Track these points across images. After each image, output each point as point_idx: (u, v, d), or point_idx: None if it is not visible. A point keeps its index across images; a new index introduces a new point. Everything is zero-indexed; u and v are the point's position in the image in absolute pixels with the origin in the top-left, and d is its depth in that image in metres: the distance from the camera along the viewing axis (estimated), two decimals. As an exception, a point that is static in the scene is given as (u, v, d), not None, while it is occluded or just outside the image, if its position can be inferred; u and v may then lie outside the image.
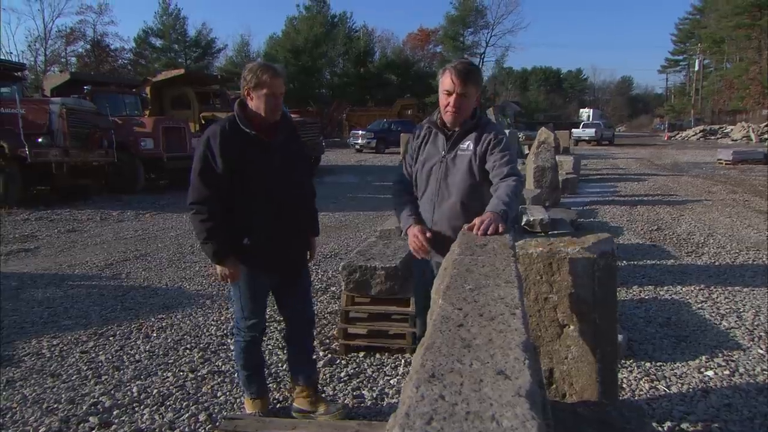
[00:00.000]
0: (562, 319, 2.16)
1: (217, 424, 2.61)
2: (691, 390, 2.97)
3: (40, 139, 9.61)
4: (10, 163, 9.35)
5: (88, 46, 47.14)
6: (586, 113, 50.17)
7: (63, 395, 2.96)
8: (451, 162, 2.38)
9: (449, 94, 2.31)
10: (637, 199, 10.76)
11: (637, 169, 17.83)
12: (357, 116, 36.13)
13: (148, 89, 15.07)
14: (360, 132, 27.65)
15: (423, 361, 0.88)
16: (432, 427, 0.68)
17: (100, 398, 2.93)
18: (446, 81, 2.30)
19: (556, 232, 5.95)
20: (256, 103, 2.41)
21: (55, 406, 2.85)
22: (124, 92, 14.10)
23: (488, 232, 1.88)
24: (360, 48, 54.86)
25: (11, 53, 39.50)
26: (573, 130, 35.00)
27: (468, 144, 2.36)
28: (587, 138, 36.11)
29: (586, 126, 38.02)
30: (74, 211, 9.42)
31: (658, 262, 5.77)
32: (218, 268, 2.47)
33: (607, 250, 2.11)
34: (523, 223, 6.15)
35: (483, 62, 62.91)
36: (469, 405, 0.73)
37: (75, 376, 3.20)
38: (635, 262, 5.77)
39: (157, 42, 53.35)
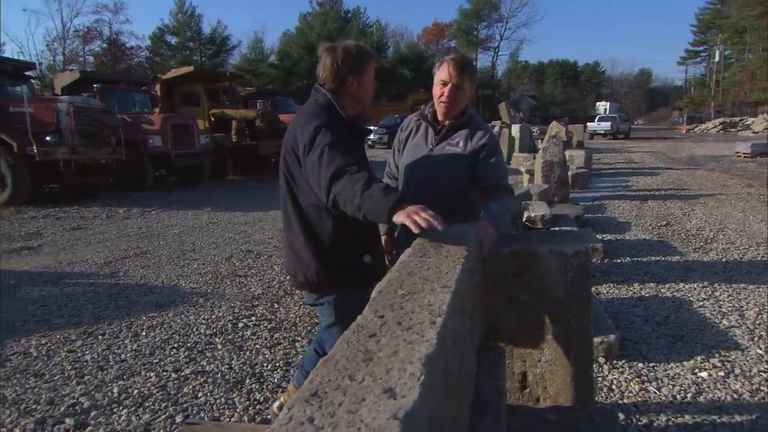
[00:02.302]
0: (534, 321, 2.07)
1: (175, 429, 2.58)
2: (682, 392, 2.87)
3: (48, 138, 9.71)
4: (18, 162, 9.46)
5: (105, 45, 47.71)
6: (602, 106, 49.52)
7: (43, 396, 2.96)
8: (439, 156, 2.32)
9: (444, 84, 2.25)
10: (648, 193, 10.55)
11: (652, 163, 17.51)
12: (370, 111, 36.04)
13: (158, 87, 15.18)
14: (372, 127, 27.57)
15: (313, 376, 0.82)
16: (282, 456, 0.62)
17: (80, 399, 2.92)
18: (443, 72, 2.25)
19: (557, 228, 5.85)
20: (355, 91, 2.07)
21: (34, 407, 2.84)
22: (134, 90, 14.19)
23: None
24: (373, 43, 54.73)
25: (21, 53, 40.08)
26: (588, 123, 34.59)
27: (458, 140, 2.31)
28: (602, 132, 35.57)
29: (601, 119, 37.44)
30: (82, 208, 9.51)
31: (663, 259, 5.63)
32: (401, 215, 1.66)
33: (581, 249, 2.02)
34: (524, 219, 6.05)
35: (497, 56, 62.49)
36: (334, 430, 0.66)
37: (58, 376, 3.20)
38: (639, 259, 5.63)
39: (173, 40, 53.81)
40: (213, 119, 15.04)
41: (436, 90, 2.29)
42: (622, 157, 20.44)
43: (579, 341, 2.07)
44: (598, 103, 53.94)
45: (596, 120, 37.65)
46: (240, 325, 4.03)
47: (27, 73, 12.55)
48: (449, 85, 2.23)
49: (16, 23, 70.00)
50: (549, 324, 2.07)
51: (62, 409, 2.82)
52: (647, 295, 4.50)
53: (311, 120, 1.98)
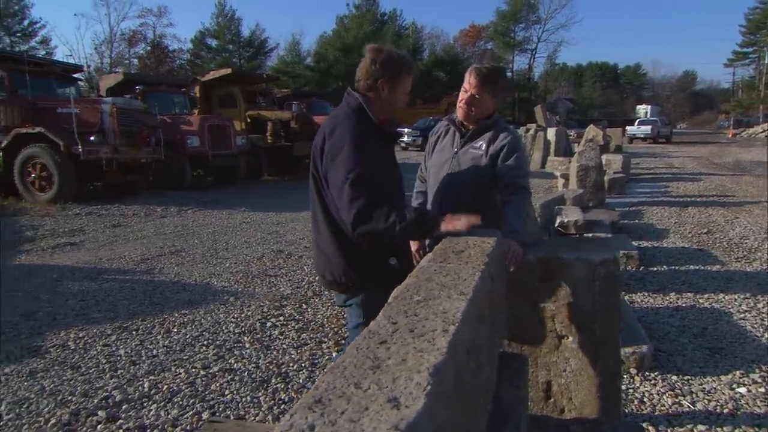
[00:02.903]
0: (560, 330, 2.03)
1: (200, 425, 2.62)
2: (718, 408, 2.76)
3: (92, 138, 10.05)
4: (64, 161, 9.81)
5: (149, 48, 49.13)
6: (643, 110, 48.26)
7: (78, 388, 3.06)
8: (462, 159, 2.39)
9: (465, 91, 2.35)
10: (689, 199, 10.21)
11: (694, 168, 16.95)
12: (404, 114, 36.01)
13: (197, 88, 15.53)
14: (406, 129, 27.54)
15: (319, 383, 0.82)
16: (279, 463, 0.62)
17: (113, 392, 3.00)
18: (466, 80, 2.36)
19: (591, 234, 5.72)
20: (385, 97, 2.08)
21: (70, 398, 2.94)
22: (174, 92, 14.56)
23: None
24: (409, 45, 54.70)
25: (71, 55, 41.58)
26: (627, 127, 33.71)
27: (481, 144, 2.38)
28: (642, 136, 34.60)
29: (641, 123, 36.42)
30: (122, 206, 9.80)
31: (702, 268, 5.43)
32: (446, 227, 1.91)
33: (609, 257, 1.97)
34: (556, 225, 5.94)
35: (534, 58, 61.57)
36: (334, 439, 0.66)
37: (93, 369, 3.30)
38: (677, 267, 5.45)
39: (213, 43, 54.96)
40: (249, 120, 15.29)
41: (460, 95, 2.40)
42: (663, 161, 19.86)
43: (606, 351, 2.02)
44: (638, 107, 52.57)
45: (636, 123, 36.66)
46: (268, 324, 4.08)
47: (74, 75, 13.03)
48: (468, 93, 2.33)
49: (67, 28, 72.92)
50: (575, 333, 2.03)
51: (96, 401, 2.91)
52: (684, 305, 4.35)
53: (341, 126, 2.02)
